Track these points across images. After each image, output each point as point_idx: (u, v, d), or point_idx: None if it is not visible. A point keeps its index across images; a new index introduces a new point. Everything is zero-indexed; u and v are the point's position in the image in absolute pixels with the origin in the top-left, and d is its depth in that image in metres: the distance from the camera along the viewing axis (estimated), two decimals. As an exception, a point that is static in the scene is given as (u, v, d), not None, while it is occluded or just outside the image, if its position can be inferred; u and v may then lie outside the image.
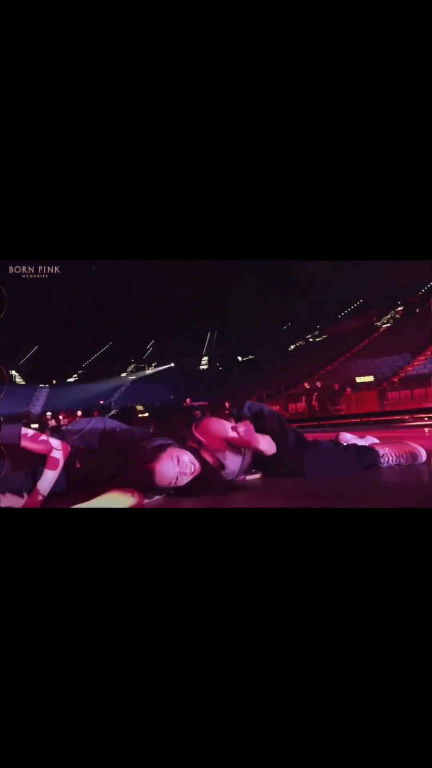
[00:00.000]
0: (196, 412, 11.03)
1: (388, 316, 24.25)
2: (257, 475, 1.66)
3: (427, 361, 15.28)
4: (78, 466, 1.57)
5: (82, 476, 1.55)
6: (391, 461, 1.62)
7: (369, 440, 1.92)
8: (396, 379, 14.21)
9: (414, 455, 1.62)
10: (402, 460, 1.63)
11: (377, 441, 1.89)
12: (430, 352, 16.39)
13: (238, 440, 1.41)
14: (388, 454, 1.63)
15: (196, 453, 1.40)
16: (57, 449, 1.52)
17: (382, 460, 1.62)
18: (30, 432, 1.52)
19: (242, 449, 1.48)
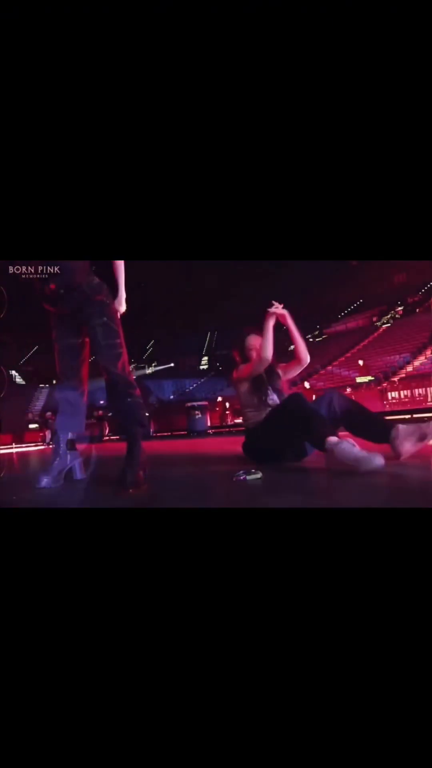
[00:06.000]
0: (196, 412, 11.05)
1: (388, 316, 24.29)
2: (258, 475, 1.67)
3: (427, 361, 15.31)
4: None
5: None
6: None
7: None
8: (396, 379, 14.24)
9: None
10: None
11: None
12: (430, 352, 16.42)
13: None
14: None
15: None
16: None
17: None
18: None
19: None
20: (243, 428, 2.42)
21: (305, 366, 2.40)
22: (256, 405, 2.27)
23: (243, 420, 2.35)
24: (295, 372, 2.43)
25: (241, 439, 2.36)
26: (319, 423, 1.76)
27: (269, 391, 2.29)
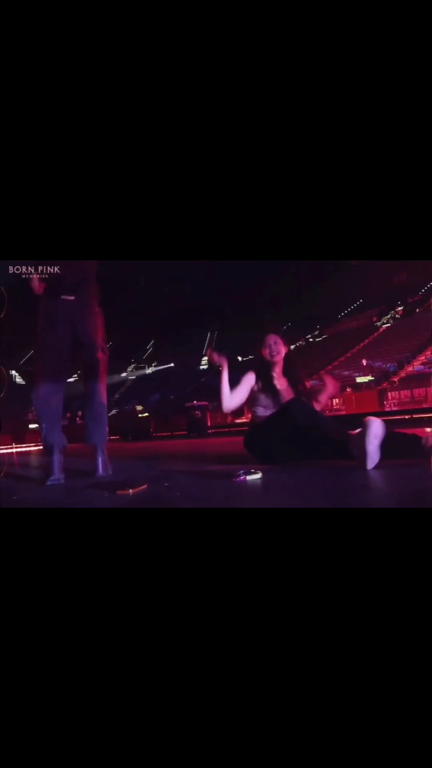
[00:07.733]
0: (196, 412, 11.05)
1: (388, 316, 24.30)
2: (257, 475, 1.67)
3: (428, 361, 15.31)
4: None
5: None
6: None
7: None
8: (396, 379, 14.24)
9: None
10: None
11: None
12: (430, 352, 16.42)
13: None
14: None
15: None
16: None
17: None
18: None
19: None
20: (243, 428, 2.49)
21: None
22: (264, 404, 2.38)
23: (251, 417, 2.47)
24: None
25: (242, 439, 2.38)
26: (329, 428, 1.88)
27: (277, 391, 2.39)
